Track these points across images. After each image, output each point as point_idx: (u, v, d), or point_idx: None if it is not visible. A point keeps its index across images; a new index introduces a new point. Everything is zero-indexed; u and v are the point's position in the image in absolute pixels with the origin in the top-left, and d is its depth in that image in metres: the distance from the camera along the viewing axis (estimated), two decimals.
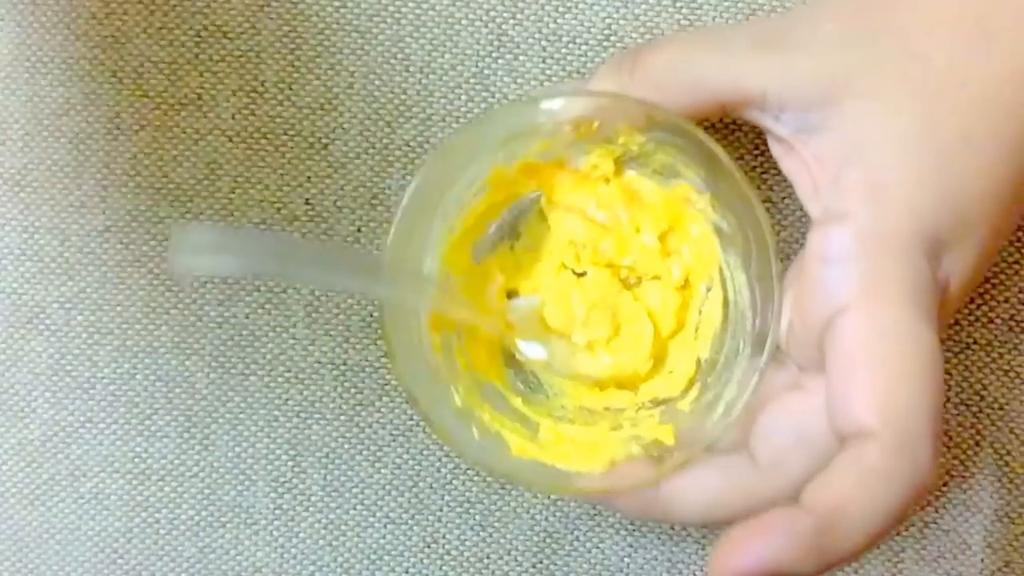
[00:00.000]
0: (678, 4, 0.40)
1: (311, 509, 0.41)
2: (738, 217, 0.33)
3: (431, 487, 0.40)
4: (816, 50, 0.31)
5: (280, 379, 0.40)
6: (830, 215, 0.31)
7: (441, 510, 0.41)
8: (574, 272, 0.37)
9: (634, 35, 0.40)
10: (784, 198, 0.40)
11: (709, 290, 0.36)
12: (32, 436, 0.40)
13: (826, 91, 0.31)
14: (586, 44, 0.40)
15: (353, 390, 0.40)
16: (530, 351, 0.36)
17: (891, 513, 0.28)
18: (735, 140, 0.40)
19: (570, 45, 0.40)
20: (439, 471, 0.40)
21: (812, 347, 0.31)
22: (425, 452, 0.40)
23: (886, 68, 0.31)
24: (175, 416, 0.40)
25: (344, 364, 0.40)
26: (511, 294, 0.37)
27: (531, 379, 0.37)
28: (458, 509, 0.40)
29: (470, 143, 0.33)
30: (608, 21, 0.40)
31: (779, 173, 0.40)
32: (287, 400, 0.40)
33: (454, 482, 0.40)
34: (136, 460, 0.40)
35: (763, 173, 0.40)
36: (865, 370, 0.29)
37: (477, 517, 0.40)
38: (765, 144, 0.40)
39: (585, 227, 0.36)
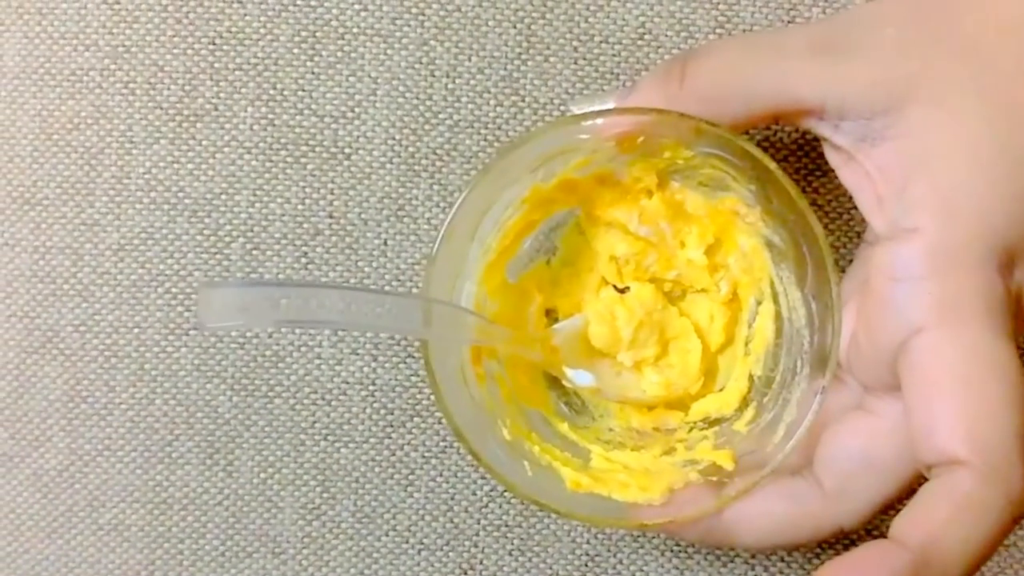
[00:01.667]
0: (715, 0, 0.38)
1: (341, 536, 0.39)
2: (791, 232, 0.32)
3: (467, 511, 0.39)
4: (877, 55, 0.30)
5: (306, 401, 0.38)
6: (897, 230, 0.29)
7: (478, 535, 0.39)
8: (616, 288, 0.35)
9: (669, 33, 0.38)
10: (831, 200, 0.38)
11: (759, 303, 0.35)
12: (48, 466, 0.39)
13: (889, 98, 0.29)
14: (619, 44, 0.38)
15: (383, 411, 0.38)
16: (579, 379, 0.35)
17: (988, 542, 0.27)
18: (776, 141, 0.38)
19: (603, 45, 0.38)
20: (475, 494, 0.39)
21: (882, 368, 0.30)
22: (460, 475, 0.39)
23: (951, 73, 0.29)
24: (197, 442, 0.39)
25: (373, 384, 0.38)
26: (550, 313, 0.36)
27: (575, 401, 0.36)
28: (495, 533, 0.39)
29: (510, 166, 0.32)
30: (642, 19, 0.38)
31: (824, 175, 0.38)
32: (314, 423, 0.39)
33: (490, 505, 0.39)
34: (157, 488, 0.39)
35: (807, 175, 0.38)
36: (949, 396, 0.28)
37: (515, 541, 0.39)
38: (809, 145, 0.38)
39: (627, 243, 0.35)
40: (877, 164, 0.30)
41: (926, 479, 0.29)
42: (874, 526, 0.37)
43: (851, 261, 0.34)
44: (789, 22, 0.38)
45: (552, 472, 0.33)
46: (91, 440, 0.39)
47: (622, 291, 0.36)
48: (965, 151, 0.29)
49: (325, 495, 0.39)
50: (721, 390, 0.35)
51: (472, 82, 0.38)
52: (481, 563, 0.39)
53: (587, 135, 0.31)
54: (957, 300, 0.28)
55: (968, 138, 0.29)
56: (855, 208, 0.37)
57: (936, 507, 0.27)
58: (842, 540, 0.38)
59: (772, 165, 0.30)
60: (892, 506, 0.31)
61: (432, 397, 0.38)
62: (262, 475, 0.39)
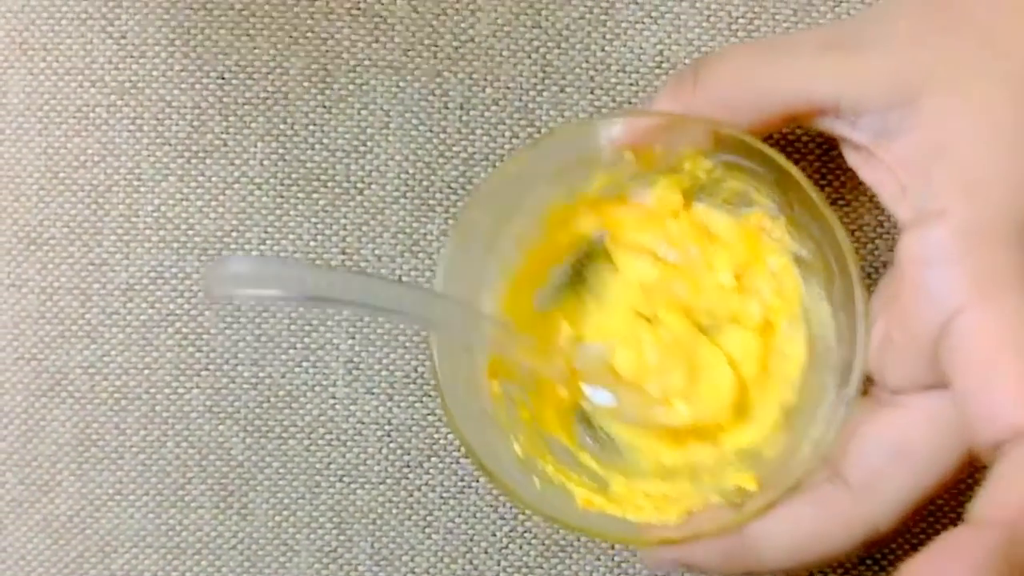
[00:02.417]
0: (733, 27, 0.37)
1: None
2: (817, 241, 0.31)
3: (486, 552, 0.38)
4: (890, 48, 0.30)
5: (321, 442, 0.38)
6: (924, 215, 0.29)
7: None
8: (644, 317, 0.35)
9: (688, 61, 0.37)
10: (855, 231, 0.37)
11: (792, 328, 0.34)
12: (58, 511, 0.38)
13: (904, 89, 0.29)
14: (637, 72, 0.37)
15: (400, 451, 0.38)
16: (598, 397, 0.34)
17: None
18: (795, 152, 0.37)
19: (620, 74, 0.37)
20: (494, 535, 0.38)
21: (921, 362, 0.29)
22: (479, 515, 0.38)
23: (966, 61, 0.29)
24: (210, 485, 0.38)
25: (389, 423, 0.38)
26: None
27: (601, 436, 0.35)
28: (516, 575, 0.38)
29: (524, 170, 0.31)
30: (660, 47, 0.37)
31: (848, 204, 0.37)
32: (329, 464, 0.38)
33: (511, 546, 0.38)
34: (170, 533, 0.38)
35: (832, 203, 0.37)
36: (1005, 368, 0.27)
37: None
38: (832, 175, 0.37)
39: (656, 269, 0.34)
40: (897, 157, 0.30)
41: (974, 469, 0.28)
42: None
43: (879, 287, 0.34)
44: None
45: (563, 490, 0.32)
46: (102, 484, 0.38)
47: (650, 320, 0.35)
48: (985, 133, 0.28)
49: (341, 537, 0.38)
50: (753, 421, 0.34)
51: (487, 114, 0.37)
52: None
53: (602, 139, 0.31)
54: (994, 273, 0.28)
55: (987, 121, 0.29)
56: (880, 237, 0.37)
57: (1018, 482, 0.26)
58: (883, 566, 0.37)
59: (792, 168, 0.30)
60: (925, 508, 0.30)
61: (450, 436, 0.37)
62: (277, 518, 0.38)
